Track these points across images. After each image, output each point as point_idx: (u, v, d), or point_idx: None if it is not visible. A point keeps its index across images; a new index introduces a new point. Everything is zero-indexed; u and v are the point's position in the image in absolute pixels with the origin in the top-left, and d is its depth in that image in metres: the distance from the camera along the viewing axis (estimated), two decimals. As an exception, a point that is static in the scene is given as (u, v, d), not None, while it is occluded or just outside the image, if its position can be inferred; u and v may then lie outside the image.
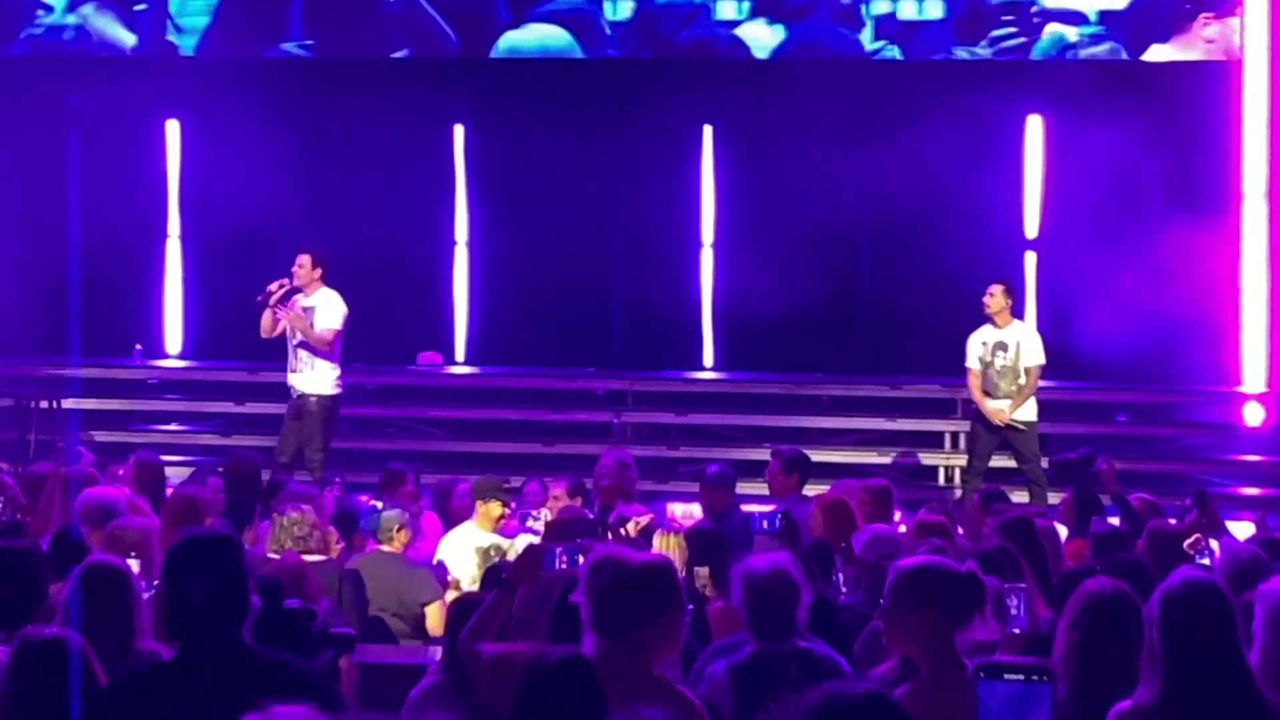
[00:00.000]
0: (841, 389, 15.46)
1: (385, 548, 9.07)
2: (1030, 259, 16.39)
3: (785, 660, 5.42)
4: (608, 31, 16.83)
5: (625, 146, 16.43)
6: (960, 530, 9.04)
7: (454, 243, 17.25)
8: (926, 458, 14.83)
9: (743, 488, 10.93)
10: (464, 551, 9.27)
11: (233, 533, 6.06)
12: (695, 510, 10.72)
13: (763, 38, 16.66)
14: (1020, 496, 12.29)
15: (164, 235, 17.43)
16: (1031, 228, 16.49)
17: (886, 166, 15.57)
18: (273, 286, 12.74)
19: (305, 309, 12.73)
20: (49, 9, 17.32)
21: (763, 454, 11.38)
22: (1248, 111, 15.94)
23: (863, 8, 16.49)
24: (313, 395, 12.68)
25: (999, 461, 13.39)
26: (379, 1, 17.00)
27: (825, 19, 16.57)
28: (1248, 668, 4.63)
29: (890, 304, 15.93)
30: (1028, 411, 13.11)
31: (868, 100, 16.11)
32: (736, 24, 16.69)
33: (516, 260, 16.71)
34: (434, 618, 8.80)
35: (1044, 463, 12.95)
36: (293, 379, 12.79)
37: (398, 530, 9.07)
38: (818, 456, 13.23)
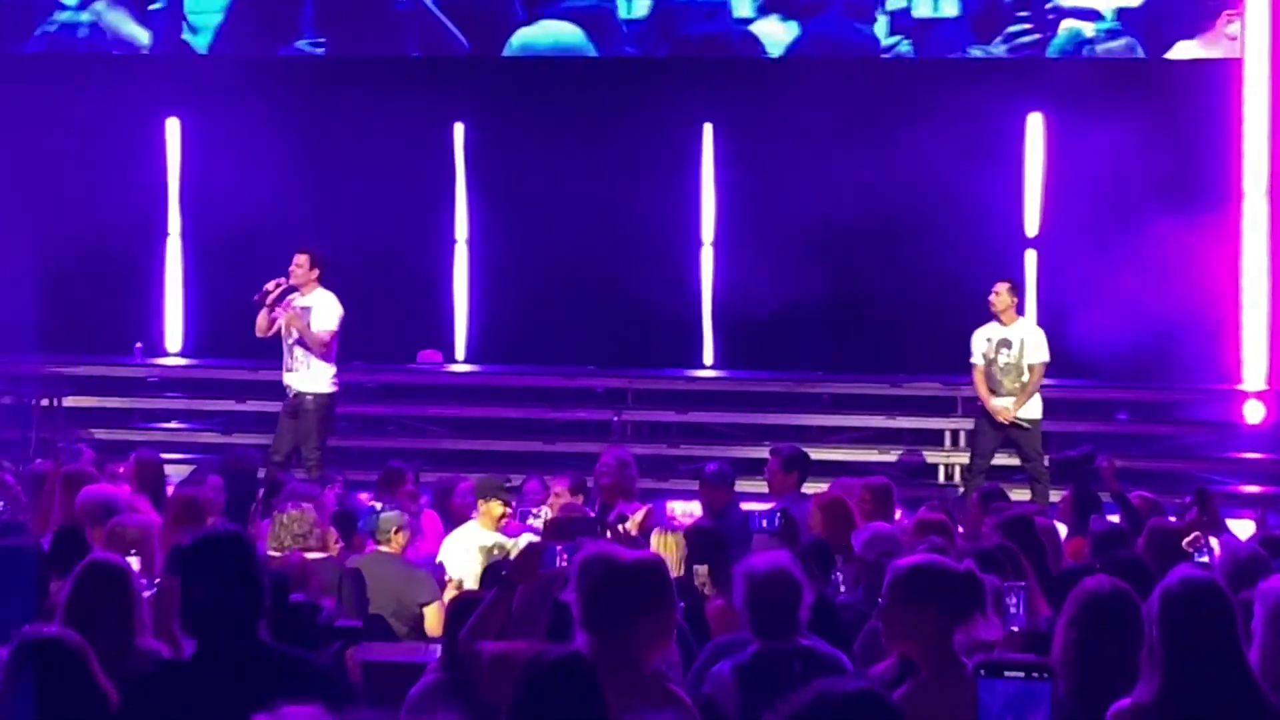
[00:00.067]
0: (842, 387, 15.47)
1: (383, 548, 9.07)
2: (1031, 257, 16.39)
3: (789, 659, 5.41)
4: (623, 29, 16.83)
5: (625, 145, 16.43)
6: (960, 528, 9.04)
7: (454, 241, 17.26)
8: (926, 456, 14.83)
9: (743, 486, 10.93)
10: (467, 551, 9.27)
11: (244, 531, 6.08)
12: (695, 508, 10.72)
13: (776, 34, 16.66)
14: (1021, 494, 12.29)
15: (164, 233, 17.43)
16: (1032, 226, 16.49)
17: (886, 164, 15.57)
18: (269, 285, 12.73)
19: (302, 309, 12.72)
20: (63, 6, 17.32)
21: (762, 452, 11.39)
22: (1248, 109, 15.94)
23: (877, 4, 16.47)
24: (309, 394, 12.67)
25: (1000, 459, 13.40)
26: (391, 1, 16.99)
27: (838, 15, 16.56)
28: (1247, 666, 4.64)
29: (890, 302, 15.93)
30: (1033, 410, 13.10)
31: (866, 98, 16.11)
32: (750, 21, 16.68)
33: (516, 258, 16.71)
34: (432, 619, 8.79)
35: (1046, 460, 12.95)
36: (289, 378, 12.78)
37: (396, 531, 9.06)
38: (818, 454, 13.23)
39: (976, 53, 16.35)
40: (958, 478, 14.26)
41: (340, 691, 4.48)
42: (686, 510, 10.96)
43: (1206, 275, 15.52)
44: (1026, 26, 16.27)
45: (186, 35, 17.25)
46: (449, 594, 8.78)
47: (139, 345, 16.85)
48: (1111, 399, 15.67)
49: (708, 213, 16.96)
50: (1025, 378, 13.05)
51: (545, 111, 16.64)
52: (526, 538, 8.80)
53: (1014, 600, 5.62)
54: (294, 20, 17.10)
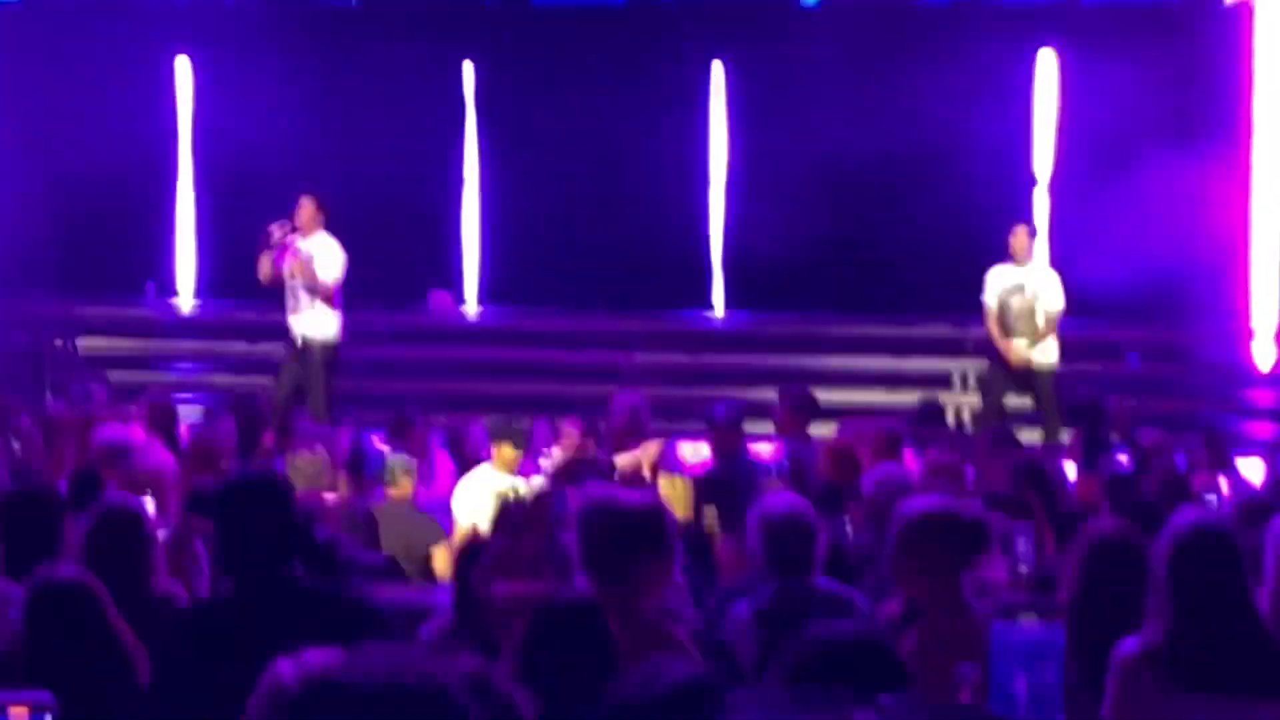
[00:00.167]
0: (851, 329, 15.46)
1: (391, 493, 9.13)
2: (1040, 197, 16.35)
3: (806, 600, 5.43)
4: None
5: (635, 85, 16.38)
6: (970, 470, 9.05)
7: (464, 182, 17.23)
8: (936, 397, 14.81)
9: (752, 428, 10.93)
10: (482, 494, 9.30)
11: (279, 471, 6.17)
12: (704, 450, 10.73)
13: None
14: (1032, 436, 12.30)
15: (175, 174, 17.41)
16: (1042, 167, 16.45)
17: (895, 105, 15.52)
18: (274, 229, 12.71)
19: (304, 252, 12.68)
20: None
21: (772, 395, 11.39)
22: (1260, 48, 15.86)
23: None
24: (317, 339, 12.67)
25: (1011, 402, 13.38)
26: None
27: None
28: (1255, 607, 4.65)
29: (900, 244, 15.90)
30: (1048, 353, 13.07)
31: (876, 38, 16.04)
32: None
33: (526, 200, 16.69)
34: (440, 561, 8.86)
35: (1057, 403, 12.95)
36: (294, 321, 12.77)
37: (402, 475, 9.12)
38: (827, 396, 13.23)
39: None
40: (967, 419, 14.26)
41: (381, 625, 4.54)
42: (696, 452, 10.98)
43: (1217, 216, 15.48)
44: None
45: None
46: (460, 539, 8.82)
47: (151, 285, 16.86)
48: (1121, 340, 15.65)
49: (717, 154, 16.92)
50: (1039, 321, 13.01)
51: (554, 51, 16.58)
52: (538, 480, 8.84)
53: (1023, 542, 5.64)
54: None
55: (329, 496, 8.73)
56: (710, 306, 16.78)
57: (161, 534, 5.99)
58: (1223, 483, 8.05)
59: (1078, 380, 13.61)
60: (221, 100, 16.70)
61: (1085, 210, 15.61)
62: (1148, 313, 15.38)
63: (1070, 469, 9.73)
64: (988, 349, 13.40)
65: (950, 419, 14.63)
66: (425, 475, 10.12)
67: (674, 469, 9.62)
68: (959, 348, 14.96)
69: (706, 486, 8.43)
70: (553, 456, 9.01)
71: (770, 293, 16.15)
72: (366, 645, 2.18)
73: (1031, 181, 16.36)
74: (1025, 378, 13.05)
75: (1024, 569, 5.63)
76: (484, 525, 8.94)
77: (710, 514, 7.91)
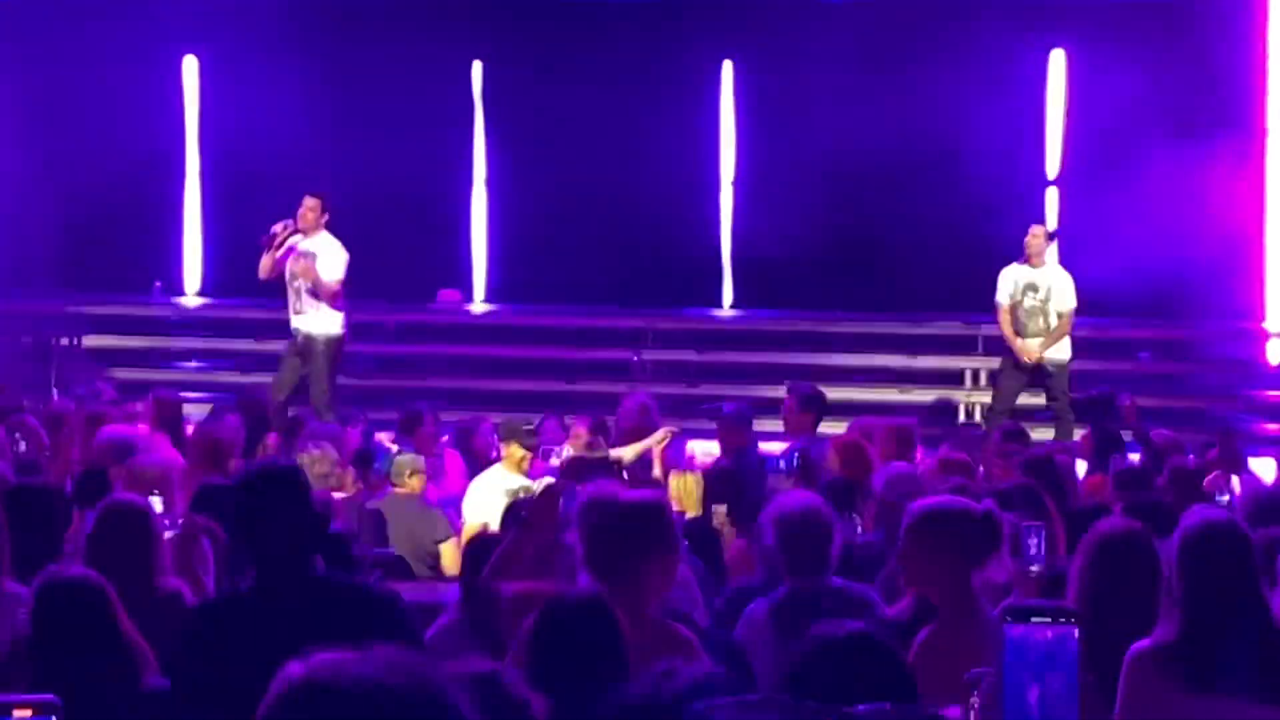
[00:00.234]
0: (861, 326, 15.43)
1: (399, 490, 9.11)
2: (1051, 195, 16.32)
3: (821, 598, 5.41)
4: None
5: (645, 82, 16.36)
6: (981, 468, 9.03)
7: (473, 179, 17.22)
8: (947, 395, 14.79)
9: (762, 425, 10.91)
10: (493, 494, 9.28)
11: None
12: (714, 448, 10.71)
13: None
14: (1043, 434, 12.27)
15: (182, 172, 17.42)
16: (1053, 164, 16.41)
17: (906, 103, 15.49)
18: (277, 228, 12.68)
19: (307, 253, 12.65)
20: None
21: (782, 392, 11.37)
22: (1272, 45, 15.81)
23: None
24: (320, 336, 12.64)
25: (1022, 399, 13.35)
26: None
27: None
28: (1267, 606, 4.62)
29: (911, 241, 15.86)
30: (1061, 352, 13.04)
31: (887, 36, 16.01)
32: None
33: (535, 197, 16.67)
34: (448, 556, 8.85)
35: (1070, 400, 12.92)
36: (297, 320, 12.72)
37: (410, 475, 9.11)
38: (838, 394, 13.20)
39: None
40: (979, 417, 14.22)
41: (400, 618, 4.53)
42: (705, 450, 10.96)
43: (1229, 214, 15.44)
44: None
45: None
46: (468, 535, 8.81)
47: (158, 283, 16.86)
48: (1133, 337, 15.62)
49: (727, 151, 16.90)
50: (1051, 321, 12.97)
51: (564, 49, 16.57)
52: (547, 479, 8.82)
53: (1034, 540, 5.60)
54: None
55: (337, 495, 8.71)
56: (720, 304, 16.76)
57: (168, 533, 5.97)
58: (1235, 481, 8.00)
59: (1090, 378, 13.58)
60: (229, 99, 16.70)
61: (1097, 208, 15.57)
62: (1160, 310, 15.34)
63: (1082, 467, 9.70)
64: (1000, 347, 13.36)
65: (961, 417, 14.62)
66: (435, 473, 10.11)
67: (684, 466, 9.59)
68: (970, 346, 14.93)
69: (715, 484, 8.39)
70: (562, 454, 8.99)
71: (780, 290, 16.12)
72: (366, 646, 2.18)
73: (1043, 179, 16.33)
74: (1038, 376, 13.01)
75: (1035, 568, 5.59)
76: (494, 525, 8.95)
77: (720, 512, 7.89)
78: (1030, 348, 12.93)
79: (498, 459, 9.82)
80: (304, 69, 15.99)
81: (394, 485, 9.19)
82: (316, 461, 8.72)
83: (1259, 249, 15.74)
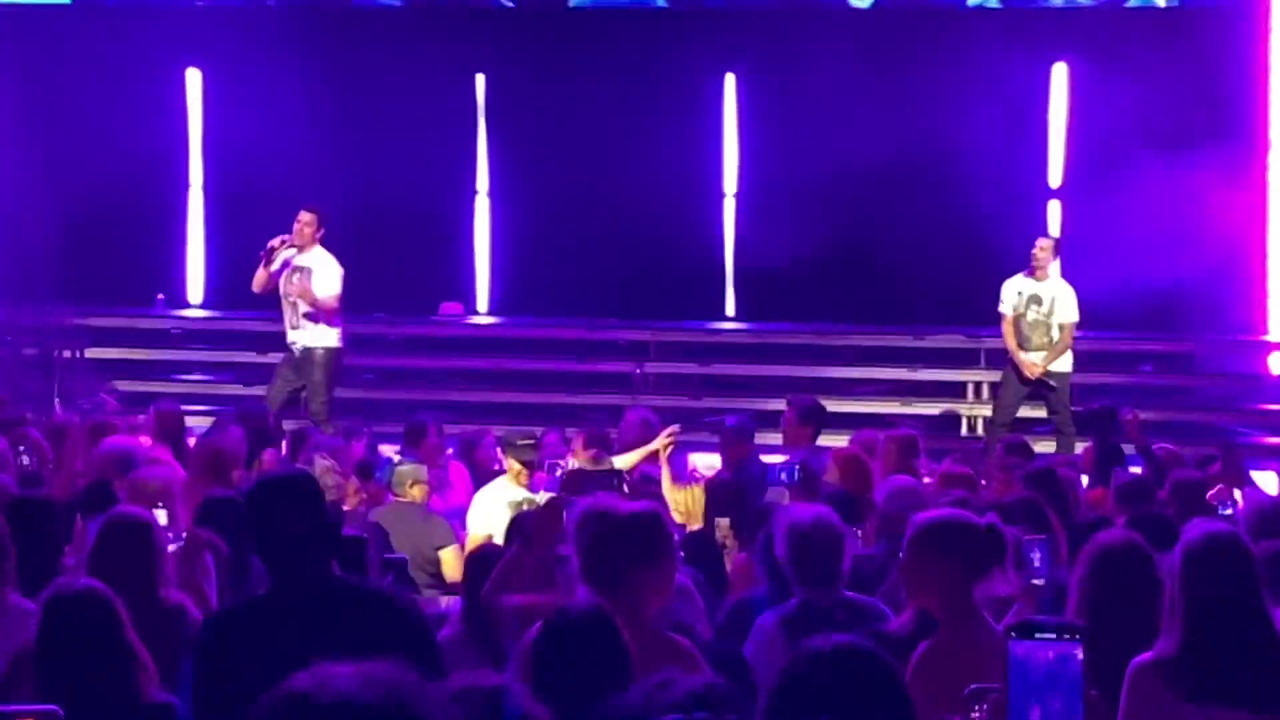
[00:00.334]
0: (864, 339, 15.43)
1: (401, 500, 9.13)
2: (1054, 207, 16.33)
3: (832, 609, 5.41)
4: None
5: (647, 95, 16.38)
6: (983, 481, 9.02)
7: (475, 192, 17.23)
8: (949, 408, 14.80)
9: (764, 438, 10.92)
10: (496, 506, 9.30)
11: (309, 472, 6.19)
12: (716, 461, 10.72)
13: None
14: (1045, 446, 12.26)
15: (185, 184, 17.43)
16: (1055, 176, 16.42)
17: (909, 115, 15.51)
18: (274, 243, 12.66)
19: (302, 268, 12.64)
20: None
21: (785, 404, 11.37)
22: (1274, 58, 15.83)
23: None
24: (318, 349, 12.63)
25: (1024, 411, 13.35)
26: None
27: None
28: (1269, 619, 4.62)
29: (913, 254, 15.86)
30: (1062, 364, 13.04)
31: (891, 49, 16.03)
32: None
33: (538, 209, 16.69)
34: (449, 562, 8.86)
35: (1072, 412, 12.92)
36: (294, 335, 12.70)
37: (412, 485, 9.13)
38: (840, 407, 13.23)
39: (1057, 2, 16.24)
40: (981, 430, 14.23)
41: (417, 622, 4.55)
42: (708, 464, 10.96)
43: (1230, 226, 15.44)
44: None
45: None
46: (472, 549, 8.82)
47: (161, 296, 16.87)
48: (1135, 350, 15.62)
49: (730, 163, 16.92)
50: (1054, 334, 12.98)
51: (567, 60, 16.59)
52: (548, 494, 8.83)
53: (1037, 553, 5.60)
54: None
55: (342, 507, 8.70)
56: (723, 316, 16.76)
57: (171, 546, 5.97)
58: (1238, 494, 8.00)
59: (1092, 391, 13.57)
60: (232, 112, 16.71)
61: (1099, 219, 15.57)
62: (1162, 323, 15.34)
63: (1084, 480, 9.69)
64: (1001, 360, 13.36)
65: (964, 429, 14.62)
66: (440, 484, 10.13)
67: (686, 480, 9.59)
68: (973, 359, 14.92)
69: (718, 497, 8.40)
70: (566, 467, 8.99)
71: (783, 303, 16.12)
72: (380, 652, 2.22)
73: (1045, 191, 16.33)
74: (1039, 388, 13.01)
75: (1038, 581, 5.59)
76: (498, 536, 8.96)
77: (723, 525, 7.88)
78: (1032, 362, 12.93)
79: (500, 471, 9.84)
80: (307, 81, 16.01)
81: (395, 495, 9.21)
82: (321, 474, 8.72)
83: (1261, 261, 15.74)
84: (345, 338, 12.87)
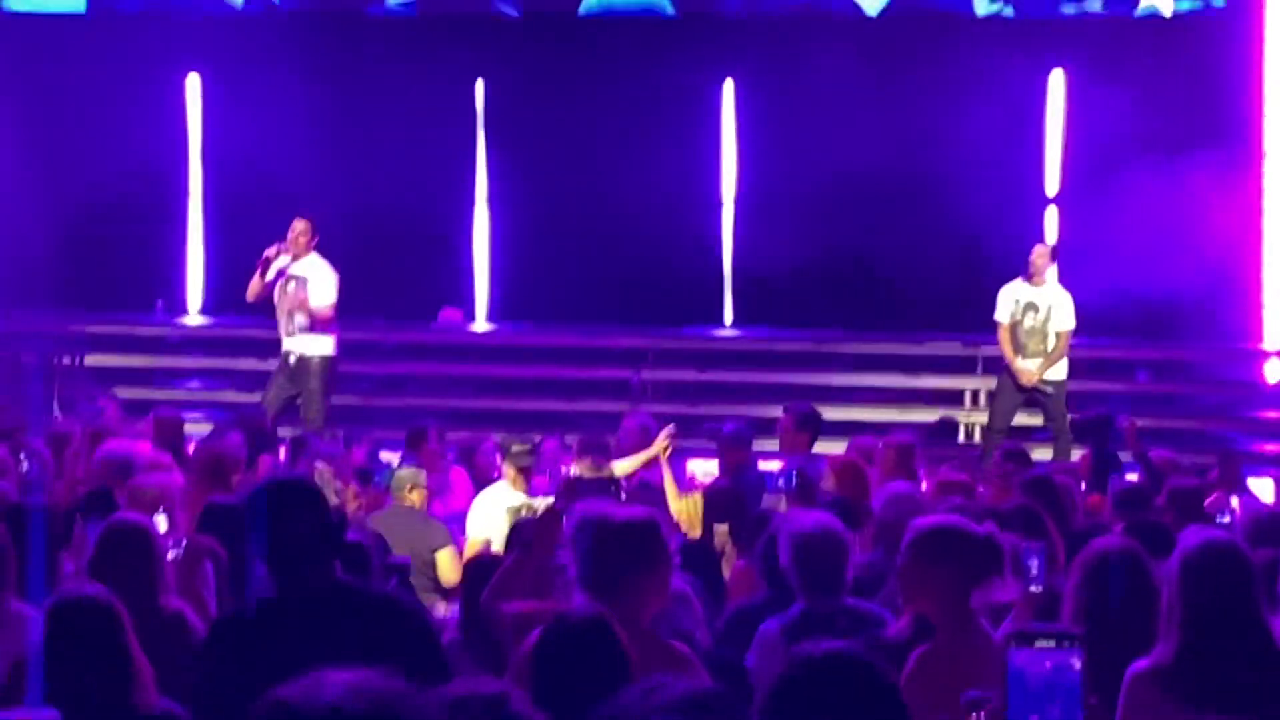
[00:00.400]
0: (862, 346, 15.44)
1: (400, 504, 9.16)
2: (1051, 215, 16.34)
3: (836, 617, 5.42)
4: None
5: (646, 101, 16.39)
6: (981, 488, 9.04)
7: (474, 199, 17.24)
8: (947, 415, 14.80)
9: (762, 445, 10.93)
10: (494, 511, 9.33)
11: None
12: (714, 468, 10.73)
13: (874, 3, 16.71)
14: (1041, 453, 12.28)
15: (185, 191, 17.44)
16: (1053, 183, 16.44)
17: (906, 122, 15.53)
18: (270, 252, 12.66)
19: (298, 277, 12.63)
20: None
21: (782, 411, 11.38)
22: (1270, 65, 15.85)
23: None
24: (315, 356, 12.63)
25: (1020, 418, 13.37)
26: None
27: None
28: (1266, 627, 4.63)
29: (911, 261, 15.88)
30: (1058, 372, 13.06)
31: (888, 56, 16.05)
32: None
33: (537, 216, 16.70)
34: (444, 564, 8.88)
35: (1068, 420, 12.93)
36: (289, 343, 12.69)
37: (410, 490, 9.15)
38: (838, 414, 13.24)
39: (1069, 9, 16.30)
40: (978, 437, 14.24)
41: (423, 625, 4.56)
42: (706, 471, 10.97)
43: (1228, 235, 15.46)
44: None
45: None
46: (470, 553, 8.84)
47: (160, 301, 16.87)
48: (1132, 358, 15.64)
49: (728, 170, 16.93)
50: (1050, 342, 12.99)
51: (566, 68, 16.61)
52: (546, 500, 8.84)
53: (1034, 561, 5.61)
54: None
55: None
56: (721, 323, 16.77)
57: (171, 553, 5.98)
58: (1234, 502, 8.01)
59: (1089, 398, 13.59)
60: (232, 118, 16.73)
61: (1096, 226, 15.59)
62: (1158, 330, 15.36)
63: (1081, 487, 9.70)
64: (999, 366, 13.38)
65: (962, 437, 14.64)
66: (441, 489, 10.15)
67: (685, 487, 9.61)
68: (970, 366, 14.94)
69: (716, 504, 8.41)
70: (571, 473, 9.02)
71: (781, 309, 16.14)
72: (384, 655, 2.24)
73: (1043, 198, 16.36)
74: (1035, 396, 13.03)
75: (1036, 589, 5.60)
76: (496, 541, 8.98)
77: (721, 532, 7.90)
78: (1028, 369, 12.94)
79: (500, 477, 9.86)
80: (306, 87, 16.03)
81: (394, 499, 9.23)
82: (319, 480, 8.74)
83: (1256, 268, 15.76)
84: (341, 345, 12.87)
